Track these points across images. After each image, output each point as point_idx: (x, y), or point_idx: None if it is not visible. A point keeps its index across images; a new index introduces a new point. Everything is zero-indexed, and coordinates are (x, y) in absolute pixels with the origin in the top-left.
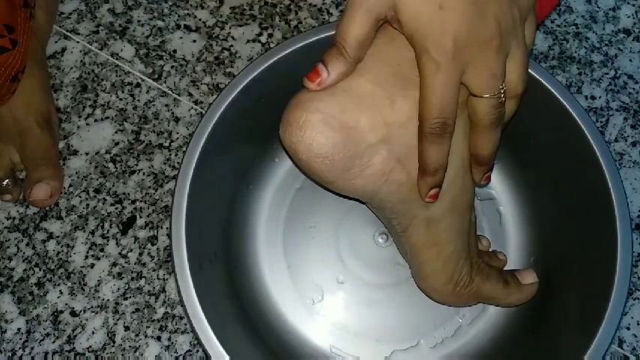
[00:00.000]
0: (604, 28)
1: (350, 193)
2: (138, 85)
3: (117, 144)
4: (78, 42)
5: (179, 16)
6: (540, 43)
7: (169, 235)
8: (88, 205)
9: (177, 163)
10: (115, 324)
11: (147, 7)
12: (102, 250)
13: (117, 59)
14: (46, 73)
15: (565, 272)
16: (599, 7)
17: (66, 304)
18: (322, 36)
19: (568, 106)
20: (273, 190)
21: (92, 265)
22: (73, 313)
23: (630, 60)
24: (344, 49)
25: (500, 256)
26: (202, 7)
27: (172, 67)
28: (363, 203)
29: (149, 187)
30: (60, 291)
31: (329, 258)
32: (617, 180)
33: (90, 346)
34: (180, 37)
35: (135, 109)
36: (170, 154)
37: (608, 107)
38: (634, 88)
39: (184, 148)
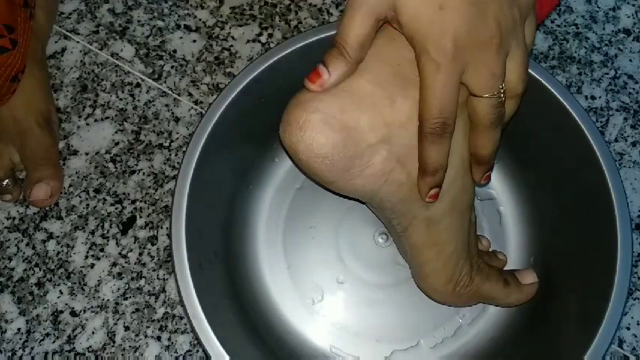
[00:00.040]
0: (604, 28)
1: (350, 193)
2: (138, 85)
3: (117, 144)
4: (78, 42)
5: (179, 16)
6: (540, 43)
7: (169, 235)
8: (88, 205)
9: (177, 163)
10: (115, 324)
11: (147, 7)
12: (102, 250)
13: (117, 59)
14: (46, 73)
15: (565, 272)
16: (599, 7)
17: (66, 304)
18: (322, 36)
19: (568, 106)
20: (273, 190)
21: (92, 265)
22: (73, 313)
23: (630, 60)
24: (345, 50)
25: (500, 256)
26: (202, 7)
27: (172, 67)
28: (363, 203)
29: (149, 187)
30: (60, 291)
31: (329, 258)
32: (617, 180)
33: (90, 346)
34: (180, 37)
35: (135, 109)
36: (170, 154)
37: (608, 107)
38: (634, 88)
39: (184, 148)
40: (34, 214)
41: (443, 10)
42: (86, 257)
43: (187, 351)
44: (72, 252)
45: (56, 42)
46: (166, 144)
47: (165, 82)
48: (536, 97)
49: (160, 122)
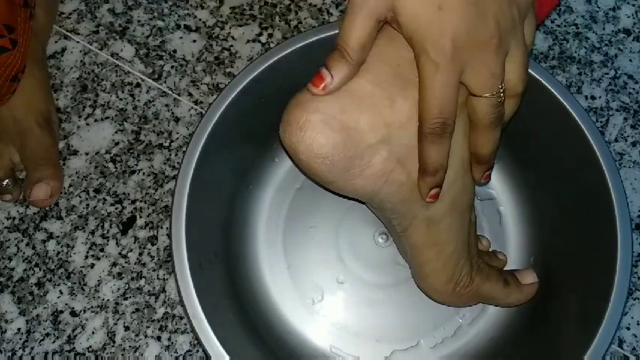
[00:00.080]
0: (604, 28)
1: (350, 194)
2: (138, 85)
3: (117, 144)
4: (78, 42)
5: (179, 16)
6: (540, 43)
7: (169, 235)
8: (88, 205)
9: (177, 163)
10: (115, 324)
11: (147, 7)
12: (102, 250)
13: (117, 59)
14: (46, 73)
15: (565, 272)
16: (599, 7)
17: (66, 304)
18: (322, 36)
19: (568, 106)
20: (273, 190)
21: (92, 265)
22: (73, 313)
23: (630, 60)
24: (346, 52)
25: (500, 256)
26: (202, 7)
27: (172, 67)
28: (363, 203)
29: (149, 187)
30: (60, 291)
31: (329, 258)
32: (617, 180)
33: (90, 346)
34: (180, 37)
35: (135, 109)
36: (170, 154)
37: (608, 107)
38: (634, 88)
39: (184, 148)
40: (34, 214)
41: (442, 11)
42: (86, 257)
43: (187, 351)
44: (72, 252)
45: (56, 42)
46: (166, 144)
47: (165, 82)
48: (536, 97)
49: (160, 122)
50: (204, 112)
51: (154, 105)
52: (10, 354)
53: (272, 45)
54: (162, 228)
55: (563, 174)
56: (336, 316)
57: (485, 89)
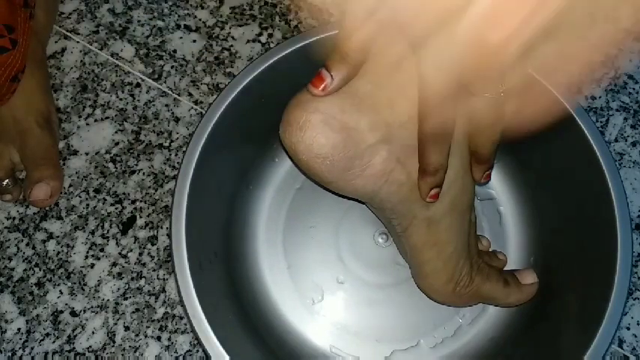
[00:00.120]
0: None
1: (350, 194)
2: (138, 85)
3: (117, 144)
4: (78, 42)
5: (179, 16)
6: None
7: (169, 235)
8: (88, 205)
9: (177, 163)
10: (115, 324)
11: (147, 7)
12: (102, 250)
13: (117, 59)
14: (46, 73)
15: (565, 272)
16: None
17: (66, 304)
18: (322, 36)
19: (568, 107)
20: (273, 190)
21: (92, 265)
22: (73, 313)
23: (630, 60)
24: (347, 53)
25: (500, 256)
26: (202, 7)
27: (172, 67)
28: (363, 203)
29: (149, 187)
30: (60, 291)
31: (329, 258)
32: (617, 180)
33: (90, 346)
34: (180, 37)
35: (135, 109)
36: (170, 154)
37: (608, 107)
38: (634, 88)
39: (184, 148)
40: (34, 214)
41: None
42: (86, 257)
43: (187, 351)
44: (72, 252)
45: (56, 42)
46: (166, 144)
47: (165, 82)
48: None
49: (160, 122)
50: (204, 112)
51: (153, 105)
52: (10, 354)
53: (272, 45)
54: (162, 228)
55: (563, 174)
56: (336, 316)
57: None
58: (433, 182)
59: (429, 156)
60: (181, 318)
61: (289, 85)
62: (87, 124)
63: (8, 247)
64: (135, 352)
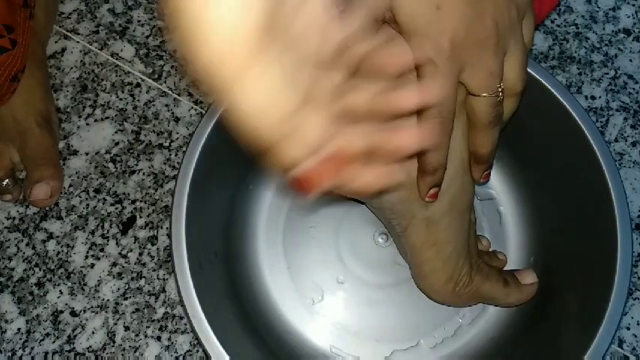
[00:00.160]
0: (604, 28)
1: (350, 194)
2: (138, 85)
3: (117, 144)
4: (78, 42)
5: None
6: (540, 43)
7: (169, 235)
8: (88, 205)
9: (177, 163)
10: (115, 324)
11: (147, 7)
12: (102, 250)
13: (117, 59)
14: (46, 73)
15: (565, 272)
16: (599, 7)
17: (66, 304)
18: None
19: (568, 106)
20: (273, 190)
21: (92, 265)
22: (73, 313)
23: (630, 60)
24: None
25: (500, 256)
26: None
27: (172, 67)
28: (363, 203)
29: (149, 187)
30: (60, 291)
31: (329, 258)
32: (617, 180)
33: (90, 346)
34: None
35: (135, 109)
36: (170, 154)
37: (608, 107)
38: (634, 88)
39: (184, 148)
40: (34, 214)
41: (440, 10)
42: (86, 257)
43: (187, 351)
44: (72, 252)
45: (56, 42)
46: (166, 144)
47: (165, 82)
48: (536, 97)
49: (160, 122)
50: (204, 112)
51: (153, 105)
52: (10, 354)
53: None
54: (162, 228)
55: (563, 174)
56: (336, 316)
57: (483, 89)
58: (432, 182)
59: (428, 155)
60: (181, 318)
61: None
62: (87, 124)
63: (8, 247)
64: (135, 352)
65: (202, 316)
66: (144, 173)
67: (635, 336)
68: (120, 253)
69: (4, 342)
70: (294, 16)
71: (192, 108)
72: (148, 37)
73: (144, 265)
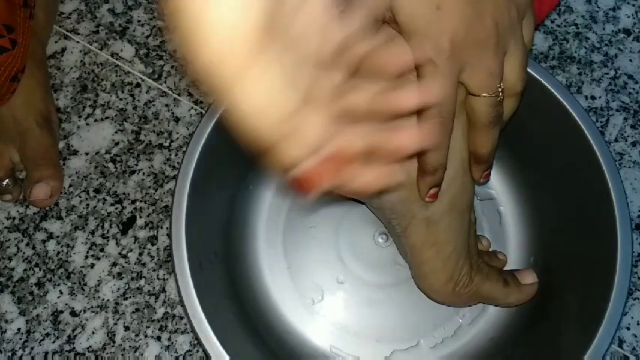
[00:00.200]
0: (604, 28)
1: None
2: (138, 85)
3: (117, 144)
4: (78, 42)
5: None
6: (540, 43)
7: (169, 235)
8: (88, 205)
9: (177, 163)
10: (115, 324)
11: (147, 7)
12: (102, 250)
13: (117, 59)
14: (46, 73)
15: (565, 272)
16: (599, 7)
17: (66, 304)
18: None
19: (568, 106)
20: (273, 190)
21: (92, 265)
22: (73, 313)
23: (630, 60)
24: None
25: (500, 256)
26: None
27: (172, 67)
28: (363, 203)
29: (149, 187)
30: (60, 291)
31: (329, 258)
32: (617, 180)
33: (90, 346)
34: None
35: (135, 109)
36: (170, 154)
37: (608, 107)
38: (634, 88)
39: (184, 148)
40: (34, 214)
41: (440, 10)
42: (86, 257)
43: (187, 351)
44: (72, 252)
45: (56, 42)
46: (166, 144)
47: (165, 82)
48: (536, 97)
49: (160, 122)
50: (204, 112)
51: (153, 105)
52: (10, 354)
53: None
54: (162, 228)
55: (563, 174)
56: (336, 316)
57: (483, 88)
58: (432, 182)
59: (428, 155)
60: (181, 318)
61: None
62: (87, 124)
63: (8, 247)
64: (135, 352)
65: (202, 316)
66: (144, 173)
67: (635, 336)
68: (120, 253)
69: (4, 342)
70: (294, 16)
71: (192, 108)
72: (148, 37)
73: (144, 265)
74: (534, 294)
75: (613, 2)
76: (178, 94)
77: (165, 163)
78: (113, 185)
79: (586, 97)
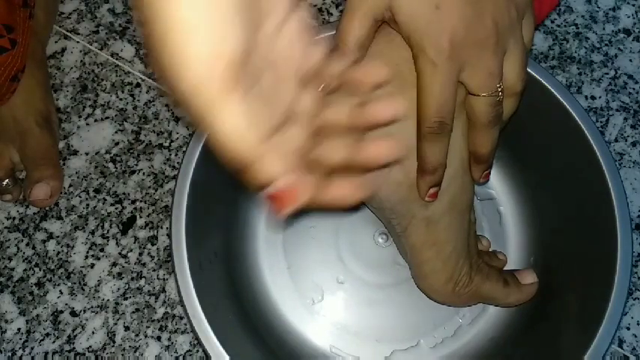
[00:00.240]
0: (604, 28)
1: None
2: (138, 85)
3: (117, 144)
4: (78, 42)
5: None
6: (540, 43)
7: (169, 235)
8: (88, 205)
9: (177, 163)
10: (115, 324)
11: None
12: (102, 250)
13: (117, 59)
14: (46, 73)
15: (565, 272)
16: (599, 7)
17: (66, 304)
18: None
19: (568, 106)
20: None
21: (92, 265)
22: (73, 313)
23: (630, 60)
24: (344, 52)
25: (500, 256)
26: None
27: None
28: (363, 203)
29: (149, 187)
30: (60, 291)
31: (329, 258)
32: (617, 180)
33: (90, 346)
34: None
35: (135, 109)
36: (170, 154)
37: (608, 107)
38: (634, 88)
39: (184, 148)
40: (34, 214)
41: (439, 10)
42: (86, 257)
43: (187, 351)
44: (72, 252)
45: (56, 42)
46: (166, 144)
47: None
48: (536, 97)
49: (160, 122)
50: None
51: (154, 105)
52: (10, 354)
53: None
54: (162, 228)
55: (563, 174)
56: (336, 316)
57: (483, 88)
58: (432, 181)
59: (428, 155)
60: (181, 318)
61: None
62: (87, 124)
63: (8, 247)
64: (135, 352)
65: (202, 316)
66: (144, 173)
67: (635, 336)
68: (120, 253)
69: (4, 342)
70: (271, 41)
71: None
72: None
73: (144, 265)
74: (534, 294)
75: (613, 2)
76: None
77: (165, 163)
78: (113, 185)
79: (586, 97)
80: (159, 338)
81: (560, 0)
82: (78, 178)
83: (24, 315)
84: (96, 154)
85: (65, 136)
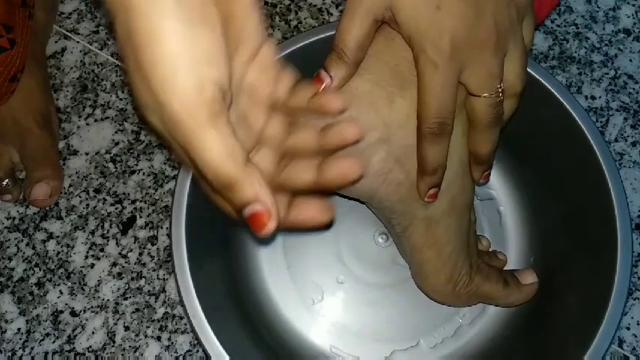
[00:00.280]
0: (604, 28)
1: (349, 193)
2: None
3: (117, 144)
4: (78, 42)
5: None
6: (540, 43)
7: (169, 235)
8: (88, 205)
9: (177, 163)
10: (115, 324)
11: None
12: (102, 250)
13: (117, 59)
14: (45, 73)
15: (565, 272)
16: (599, 7)
17: (66, 304)
18: (322, 36)
19: (568, 106)
20: None
21: (92, 265)
22: (73, 313)
23: (630, 60)
24: (344, 52)
25: (500, 256)
26: None
27: None
28: (363, 203)
29: (149, 187)
30: (60, 291)
31: (329, 258)
32: (617, 180)
33: (90, 346)
34: None
35: (135, 109)
36: (170, 154)
37: (608, 107)
38: (634, 88)
39: None
40: (34, 214)
41: (440, 10)
42: (86, 257)
43: (187, 351)
44: (72, 252)
45: (56, 42)
46: None
47: None
48: (537, 97)
49: None
50: None
51: None
52: (10, 354)
53: None
54: (162, 228)
55: (562, 174)
56: (336, 316)
57: (483, 89)
58: (432, 182)
59: (428, 155)
60: (181, 318)
61: None
62: (87, 124)
63: (8, 247)
64: (135, 352)
65: (202, 316)
66: (144, 173)
67: (635, 336)
68: (120, 253)
69: (4, 342)
70: (243, 69)
71: None
72: None
73: (144, 265)
74: (534, 294)
75: (613, 2)
76: None
77: (165, 163)
78: (113, 185)
79: (586, 97)
80: (159, 338)
81: (560, 0)
82: (78, 178)
83: (24, 315)
84: (96, 154)
85: (65, 136)
